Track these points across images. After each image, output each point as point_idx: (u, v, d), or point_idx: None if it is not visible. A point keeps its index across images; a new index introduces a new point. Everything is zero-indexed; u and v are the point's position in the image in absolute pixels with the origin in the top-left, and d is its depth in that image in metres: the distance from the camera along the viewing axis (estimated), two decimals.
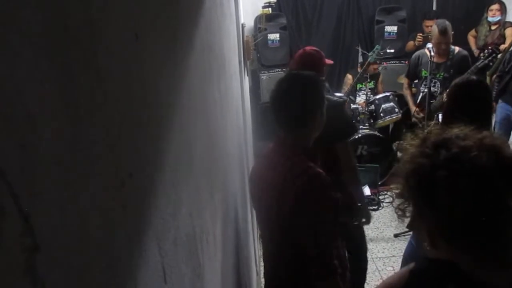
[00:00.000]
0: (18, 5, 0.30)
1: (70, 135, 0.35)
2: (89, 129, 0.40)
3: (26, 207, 0.27)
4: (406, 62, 5.10)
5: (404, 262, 2.42)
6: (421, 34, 4.89)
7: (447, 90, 2.35)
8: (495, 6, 4.80)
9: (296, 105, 1.53)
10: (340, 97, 3.65)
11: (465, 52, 3.85)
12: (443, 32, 3.62)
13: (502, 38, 4.71)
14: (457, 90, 2.24)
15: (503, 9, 4.81)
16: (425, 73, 3.77)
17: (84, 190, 0.37)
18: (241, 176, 2.47)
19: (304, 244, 1.41)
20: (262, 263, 1.89)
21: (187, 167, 0.86)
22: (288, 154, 1.51)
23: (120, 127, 0.48)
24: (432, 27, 3.87)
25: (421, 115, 3.80)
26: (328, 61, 2.75)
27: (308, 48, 2.64)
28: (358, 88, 4.79)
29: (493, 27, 4.82)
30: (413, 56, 4.06)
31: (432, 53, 3.68)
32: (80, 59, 0.39)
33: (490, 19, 4.81)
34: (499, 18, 4.79)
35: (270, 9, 4.90)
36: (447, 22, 3.71)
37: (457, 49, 3.81)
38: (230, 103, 2.02)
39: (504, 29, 4.75)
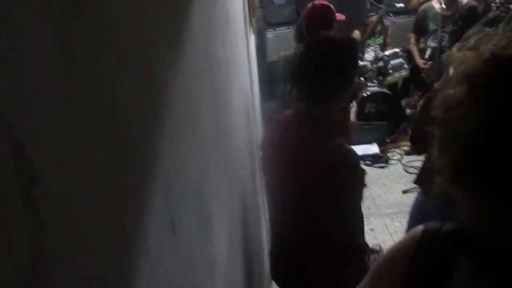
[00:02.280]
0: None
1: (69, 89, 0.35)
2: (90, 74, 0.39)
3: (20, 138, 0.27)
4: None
5: (411, 218, 2.44)
6: None
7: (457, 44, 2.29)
8: None
9: (331, 79, 1.33)
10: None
11: (473, 3, 3.73)
12: None
13: None
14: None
15: None
16: (433, 27, 3.68)
17: (85, 128, 0.37)
18: (248, 134, 2.47)
19: (329, 220, 1.34)
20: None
21: (194, 122, 0.86)
22: (314, 128, 1.36)
23: (123, 81, 0.48)
24: None
25: (427, 65, 3.73)
26: (340, 16, 2.67)
27: (317, 2, 2.56)
28: (366, 44, 4.70)
29: None
30: (420, 9, 3.95)
31: (443, 5, 3.57)
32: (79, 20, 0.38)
33: None
34: None
35: None
36: None
37: (465, 0, 3.69)
38: (236, 62, 1.99)
39: None
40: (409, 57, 4.55)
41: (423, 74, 3.97)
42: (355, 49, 1.44)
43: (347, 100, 1.49)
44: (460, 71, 0.66)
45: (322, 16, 2.45)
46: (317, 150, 1.32)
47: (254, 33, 4.17)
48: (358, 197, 1.38)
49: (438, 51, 3.59)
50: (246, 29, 2.95)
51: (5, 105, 0.26)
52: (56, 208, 0.31)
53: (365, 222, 3.13)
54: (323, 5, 2.52)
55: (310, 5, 2.55)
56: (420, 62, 3.92)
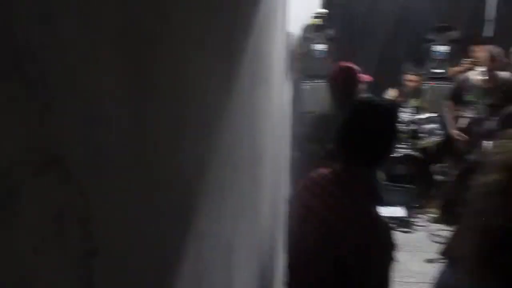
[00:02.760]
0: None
1: (136, 137, 0.36)
2: (153, 131, 0.41)
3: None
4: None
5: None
6: (468, 59, 4.74)
7: (499, 117, 2.27)
8: None
9: (375, 144, 1.36)
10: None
11: None
12: (492, 58, 3.56)
13: None
14: (507, 119, 2.16)
15: None
16: (470, 98, 3.67)
17: (142, 192, 0.38)
18: (274, 180, 2.46)
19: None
20: None
21: (232, 175, 0.87)
22: (354, 192, 1.36)
23: (181, 128, 0.49)
24: (484, 52, 3.78)
25: (465, 137, 3.68)
26: (366, 78, 2.76)
27: (342, 64, 2.68)
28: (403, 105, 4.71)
29: None
30: (458, 78, 3.96)
31: (482, 77, 3.58)
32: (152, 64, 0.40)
33: None
34: None
35: (321, 19, 4.88)
36: (498, 49, 3.62)
37: (506, 74, 3.69)
38: (273, 111, 2.02)
39: None
40: (444, 123, 4.51)
41: (456, 143, 3.92)
42: (397, 115, 1.49)
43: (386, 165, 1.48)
44: (504, 159, 0.66)
45: (344, 76, 2.56)
46: (357, 218, 1.32)
47: (291, 84, 4.25)
48: (389, 270, 1.34)
49: (474, 122, 3.55)
50: (285, 79, 3.02)
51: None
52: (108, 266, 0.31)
53: None
54: (346, 66, 2.62)
55: (335, 66, 2.68)
56: (454, 131, 3.88)
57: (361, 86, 2.66)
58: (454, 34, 5.14)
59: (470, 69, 4.45)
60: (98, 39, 0.31)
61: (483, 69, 3.67)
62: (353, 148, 1.38)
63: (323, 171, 1.50)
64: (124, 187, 0.35)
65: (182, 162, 0.52)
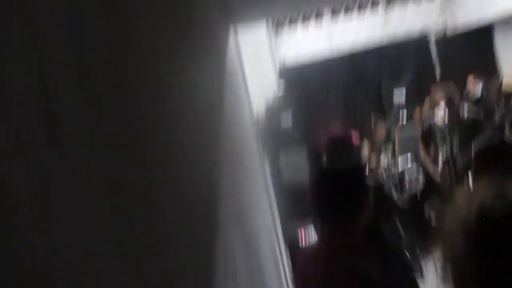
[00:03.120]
0: None
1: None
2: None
3: None
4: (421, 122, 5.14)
5: None
6: (428, 99, 4.96)
7: (475, 155, 2.33)
8: (470, 79, 4.86)
9: (348, 201, 1.47)
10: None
11: (472, 114, 3.93)
12: (447, 95, 3.77)
13: (503, 92, 4.72)
14: (483, 154, 2.22)
15: (478, 76, 4.88)
16: (440, 136, 3.78)
17: None
18: (271, 256, 2.38)
19: None
20: None
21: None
22: (346, 253, 1.43)
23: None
24: (438, 91, 3.97)
25: (444, 179, 3.75)
26: (357, 139, 2.81)
27: (334, 130, 2.68)
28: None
29: (484, 94, 4.81)
30: (425, 120, 4.10)
31: (445, 115, 3.72)
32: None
33: (473, 92, 4.82)
34: (480, 87, 4.81)
35: (278, 100, 5.05)
36: (450, 86, 3.83)
37: (466, 111, 3.86)
38: (257, 195, 2.01)
39: (499, 86, 4.78)
40: (419, 161, 4.59)
41: (437, 181, 3.97)
42: (363, 174, 1.60)
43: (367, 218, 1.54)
44: (453, 221, 0.70)
45: (342, 143, 2.57)
46: (341, 275, 1.37)
47: (266, 157, 4.29)
48: None
49: (449, 158, 3.64)
50: (259, 155, 3.04)
51: None
52: None
53: None
54: (339, 132, 2.65)
55: (329, 134, 2.68)
56: (433, 169, 3.95)
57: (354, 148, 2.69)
58: (407, 76, 5.42)
59: (431, 107, 4.64)
60: None
61: (443, 108, 3.83)
62: (327, 210, 1.47)
63: (317, 239, 1.56)
64: None
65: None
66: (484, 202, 0.69)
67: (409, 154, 4.63)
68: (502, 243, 0.66)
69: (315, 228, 1.57)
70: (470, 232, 0.69)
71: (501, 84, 4.82)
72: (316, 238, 1.58)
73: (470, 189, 0.76)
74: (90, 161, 0.34)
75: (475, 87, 4.83)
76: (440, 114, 3.79)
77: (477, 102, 4.80)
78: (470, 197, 0.73)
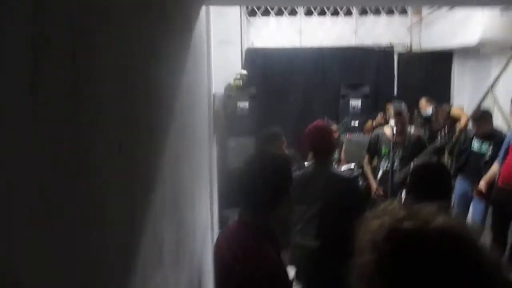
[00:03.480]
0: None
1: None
2: (74, 234, 0.39)
3: None
4: (369, 135, 5.32)
5: None
6: (382, 114, 5.14)
7: (410, 171, 2.45)
8: (422, 101, 5.10)
9: (265, 189, 1.50)
10: (350, 170, 3.72)
11: (420, 134, 4.14)
12: (397, 113, 3.90)
13: (447, 121, 5.00)
14: (417, 173, 2.33)
15: (431, 100, 5.13)
16: (385, 151, 3.94)
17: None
18: (206, 246, 2.41)
19: None
20: None
21: (157, 258, 0.84)
22: (247, 235, 1.51)
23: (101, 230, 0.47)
24: (390, 108, 4.07)
25: (381, 193, 3.91)
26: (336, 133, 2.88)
27: (319, 122, 2.72)
28: None
29: (432, 119, 5.06)
30: (373, 133, 4.26)
31: (394, 131, 3.87)
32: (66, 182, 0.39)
33: (425, 114, 5.08)
34: (431, 110, 5.07)
35: (241, 81, 5.07)
36: (402, 104, 3.99)
37: (412, 131, 4.08)
38: (200, 179, 2.02)
39: (447, 113, 5.06)
40: (363, 174, 4.76)
41: (375, 196, 4.13)
42: (288, 166, 1.64)
43: (286, 211, 1.60)
44: (368, 240, 0.73)
45: (325, 135, 2.63)
46: (240, 257, 1.45)
47: (216, 142, 4.29)
48: None
49: (391, 174, 3.79)
50: (210, 140, 3.04)
51: None
52: None
53: None
54: (324, 125, 2.75)
55: (311, 127, 2.69)
56: (374, 186, 4.11)
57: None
58: (365, 89, 5.58)
59: (382, 124, 4.82)
60: None
61: (392, 124, 3.99)
62: (247, 195, 1.55)
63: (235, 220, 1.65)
64: None
65: (105, 242, 0.50)
66: (396, 219, 0.72)
67: (353, 164, 4.78)
68: (403, 263, 0.67)
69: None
70: (377, 247, 0.71)
71: (449, 112, 5.09)
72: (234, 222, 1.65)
73: (391, 204, 0.77)
74: None
75: (425, 109, 5.07)
76: (388, 129, 3.95)
77: (425, 123, 5.06)
78: (386, 212, 0.75)
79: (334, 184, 2.49)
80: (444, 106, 5.21)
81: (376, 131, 4.24)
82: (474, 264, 0.65)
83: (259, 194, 1.50)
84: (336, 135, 4.91)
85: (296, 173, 2.87)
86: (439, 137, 4.05)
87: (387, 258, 0.68)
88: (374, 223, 0.74)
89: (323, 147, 2.62)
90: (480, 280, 0.65)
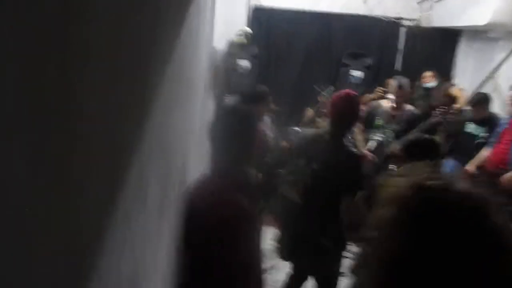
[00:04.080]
0: None
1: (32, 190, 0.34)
2: (55, 181, 0.39)
3: None
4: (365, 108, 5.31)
5: None
6: (381, 88, 5.09)
7: (403, 145, 2.47)
8: (428, 74, 5.11)
9: (233, 142, 1.62)
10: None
11: (415, 111, 4.15)
12: (399, 87, 3.93)
13: (446, 98, 5.00)
14: (409, 147, 2.35)
15: (436, 75, 5.13)
16: (379, 123, 3.96)
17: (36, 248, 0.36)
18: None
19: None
20: None
21: (141, 203, 0.85)
22: (217, 185, 1.59)
23: (85, 172, 0.47)
24: (392, 82, 4.11)
25: (374, 157, 3.95)
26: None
27: (350, 92, 2.62)
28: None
29: (432, 92, 5.09)
30: (370, 104, 4.26)
31: (392, 104, 3.88)
32: (53, 118, 0.38)
33: (424, 85, 5.10)
34: (433, 84, 5.09)
35: (244, 38, 4.97)
36: (405, 79, 4.01)
37: (410, 108, 4.09)
38: (193, 131, 2.01)
39: (447, 91, 5.05)
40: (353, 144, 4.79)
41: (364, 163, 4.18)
42: (253, 120, 1.74)
43: (250, 162, 1.72)
44: (391, 195, 0.72)
45: (352, 104, 2.56)
46: (213, 201, 1.53)
47: (213, 99, 4.26)
48: (239, 251, 1.50)
49: (380, 146, 3.83)
50: (206, 95, 3.02)
51: None
52: None
53: None
54: (353, 94, 2.61)
55: (342, 93, 2.60)
56: (363, 151, 4.14)
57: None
58: (367, 61, 5.51)
59: (382, 97, 4.79)
60: None
61: (392, 97, 3.98)
62: (216, 146, 1.67)
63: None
64: None
65: (89, 197, 0.51)
66: (422, 178, 0.71)
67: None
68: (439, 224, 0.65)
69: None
70: (401, 201, 0.70)
71: (448, 90, 5.07)
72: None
73: (405, 171, 0.77)
74: None
75: (428, 81, 5.07)
76: (386, 102, 3.96)
77: (424, 96, 5.07)
78: (408, 177, 0.74)
79: (341, 153, 2.47)
80: (447, 84, 5.19)
81: (374, 103, 4.24)
82: (490, 230, 0.64)
83: (227, 146, 1.62)
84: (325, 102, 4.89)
85: (309, 131, 2.90)
86: (434, 114, 4.07)
87: (410, 212, 0.68)
88: (399, 180, 0.74)
89: (348, 117, 2.55)
90: (496, 248, 0.63)
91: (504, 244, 0.63)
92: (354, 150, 2.59)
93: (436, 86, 5.09)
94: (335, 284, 2.73)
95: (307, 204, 2.52)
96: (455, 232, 0.64)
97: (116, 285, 0.67)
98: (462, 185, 0.69)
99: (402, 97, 3.96)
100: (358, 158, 2.56)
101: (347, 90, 2.65)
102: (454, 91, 5.07)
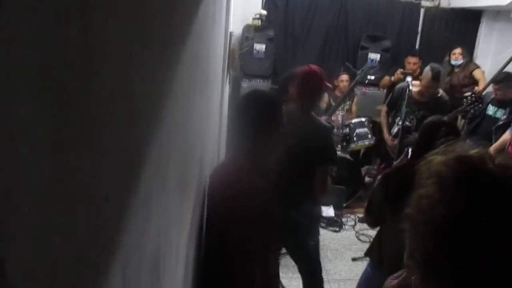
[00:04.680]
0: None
1: (53, 165, 0.34)
2: (76, 155, 0.39)
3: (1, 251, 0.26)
4: (384, 90, 5.22)
5: None
6: (401, 70, 5.00)
7: (421, 127, 2.42)
8: (457, 50, 5.00)
9: (255, 123, 1.59)
10: (328, 122, 3.68)
11: (447, 98, 3.97)
12: (436, 78, 3.72)
13: (468, 79, 4.90)
14: (427, 129, 2.31)
15: (465, 54, 5.02)
16: (406, 108, 3.84)
17: (59, 225, 0.36)
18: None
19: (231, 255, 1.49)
20: None
21: (161, 182, 0.85)
22: (238, 167, 1.58)
23: (105, 148, 0.47)
24: (426, 69, 3.88)
25: (395, 142, 3.90)
26: (328, 84, 2.84)
27: (313, 66, 2.69)
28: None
29: (456, 70, 5.02)
30: (398, 87, 4.10)
31: (411, 87, 3.78)
32: (73, 84, 0.38)
33: (453, 62, 5.00)
34: (461, 61, 4.99)
35: (259, 21, 4.93)
36: (441, 68, 3.81)
37: (440, 91, 3.92)
38: (210, 113, 2.01)
39: (470, 72, 4.94)
40: (374, 128, 4.73)
41: (388, 148, 4.13)
42: (280, 103, 1.71)
43: (277, 147, 1.69)
44: (430, 172, 0.71)
45: (313, 78, 2.61)
46: (237, 187, 1.51)
47: (230, 82, 4.26)
48: (259, 237, 1.51)
49: (402, 131, 3.76)
50: (223, 78, 3.02)
51: None
52: None
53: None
54: (317, 68, 2.69)
55: (306, 67, 2.69)
56: (388, 137, 4.09)
57: (323, 91, 2.73)
58: (386, 43, 5.41)
59: (400, 79, 4.71)
60: None
61: (422, 83, 3.85)
62: (241, 130, 1.64)
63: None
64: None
65: (105, 169, 0.51)
66: (461, 151, 0.71)
67: (364, 118, 4.74)
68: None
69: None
70: (440, 175, 0.69)
71: (472, 71, 4.97)
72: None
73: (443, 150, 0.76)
74: None
75: (457, 59, 4.99)
76: (415, 88, 3.84)
77: (450, 72, 4.99)
78: (449, 150, 0.74)
79: (309, 128, 2.50)
80: (472, 65, 5.07)
81: (401, 85, 4.06)
82: None
83: (252, 129, 1.59)
84: (347, 85, 4.84)
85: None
86: (464, 102, 3.97)
87: (450, 184, 0.67)
88: (436, 158, 0.73)
89: (312, 92, 2.61)
90: None
91: None
92: (323, 122, 2.65)
93: (462, 65, 4.98)
94: (314, 259, 2.78)
95: (283, 181, 2.53)
96: (500, 198, 0.64)
97: (139, 261, 0.67)
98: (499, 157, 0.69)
99: (435, 89, 3.79)
100: (327, 130, 2.61)
101: (311, 65, 2.72)
102: (477, 72, 4.96)
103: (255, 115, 1.60)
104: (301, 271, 2.85)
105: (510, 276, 0.65)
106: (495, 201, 0.64)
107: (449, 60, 5.05)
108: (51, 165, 0.34)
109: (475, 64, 5.13)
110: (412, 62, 5.01)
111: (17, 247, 0.29)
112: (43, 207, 0.33)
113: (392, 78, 5.00)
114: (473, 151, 0.70)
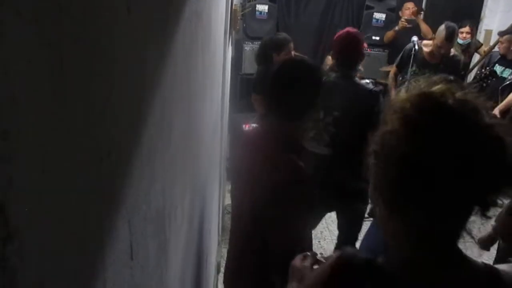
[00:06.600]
0: None
1: (54, 117, 0.34)
2: (74, 107, 0.38)
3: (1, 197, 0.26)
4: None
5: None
6: (403, 20, 4.85)
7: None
8: (465, 29, 4.61)
9: (295, 99, 1.42)
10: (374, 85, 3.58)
11: (459, 57, 3.81)
12: (449, 38, 3.53)
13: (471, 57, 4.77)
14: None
15: (473, 32, 4.74)
16: (416, 70, 3.71)
17: (61, 172, 0.36)
18: (214, 147, 2.46)
19: (271, 241, 1.36)
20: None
21: (166, 142, 0.85)
22: (273, 145, 1.41)
23: (105, 102, 0.47)
24: (440, 27, 3.66)
25: None
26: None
27: (351, 29, 2.60)
28: None
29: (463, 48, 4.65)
30: (408, 46, 3.89)
31: (417, 47, 3.69)
32: (71, 34, 0.37)
33: (460, 41, 4.57)
34: (469, 41, 4.66)
35: None
36: (456, 27, 3.59)
37: (452, 51, 3.77)
38: (212, 75, 1.99)
39: (475, 50, 4.80)
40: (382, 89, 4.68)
41: None
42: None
43: (311, 122, 1.51)
44: (394, 108, 0.73)
45: (355, 42, 2.51)
46: (268, 167, 1.36)
47: (232, 44, 4.19)
48: (300, 219, 1.37)
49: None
50: (225, 41, 2.96)
51: None
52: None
53: (316, 246, 3.14)
54: (357, 32, 2.60)
55: (343, 32, 2.57)
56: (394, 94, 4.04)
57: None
58: (391, 2, 5.27)
59: (405, 26, 4.60)
60: None
61: (434, 42, 3.69)
62: (274, 102, 1.45)
63: (257, 126, 1.56)
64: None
65: (110, 132, 0.51)
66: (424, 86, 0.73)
67: (368, 80, 4.66)
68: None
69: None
70: (403, 108, 0.71)
71: (479, 47, 4.84)
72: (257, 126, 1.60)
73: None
74: None
75: (465, 38, 4.66)
76: (427, 48, 3.73)
77: (465, 49, 4.73)
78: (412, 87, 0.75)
79: (357, 95, 2.43)
80: (476, 42, 4.91)
81: (411, 45, 3.80)
82: (485, 125, 0.68)
83: (288, 102, 1.42)
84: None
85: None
86: (478, 76, 3.89)
87: (413, 119, 0.69)
88: (400, 95, 0.75)
89: (351, 55, 2.51)
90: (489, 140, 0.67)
91: (496, 137, 0.67)
92: (369, 87, 2.56)
93: (470, 44, 4.73)
94: (360, 225, 2.79)
95: (336, 153, 2.50)
96: (459, 131, 0.67)
97: (144, 216, 0.68)
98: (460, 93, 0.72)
99: (447, 49, 3.60)
100: (377, 94, 2.50)
101: (347, 29, 2.60)
102: (481, 51, 4.84)
103: (295, 87, 1.42)
104: (341, 229, 2.90)
105: (468, 208, 0.70)
106: (454, 135, 0.67)
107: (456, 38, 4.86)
108: (51, 110, 0.34)
109: (478, 42, 4.98)
110: (409, 7, 4.87)
111: (17, 194, 0.29)
112: (44, 151, 0.33)
113: (396, 28, 4.88)
114: (435, 87, 0.72)
